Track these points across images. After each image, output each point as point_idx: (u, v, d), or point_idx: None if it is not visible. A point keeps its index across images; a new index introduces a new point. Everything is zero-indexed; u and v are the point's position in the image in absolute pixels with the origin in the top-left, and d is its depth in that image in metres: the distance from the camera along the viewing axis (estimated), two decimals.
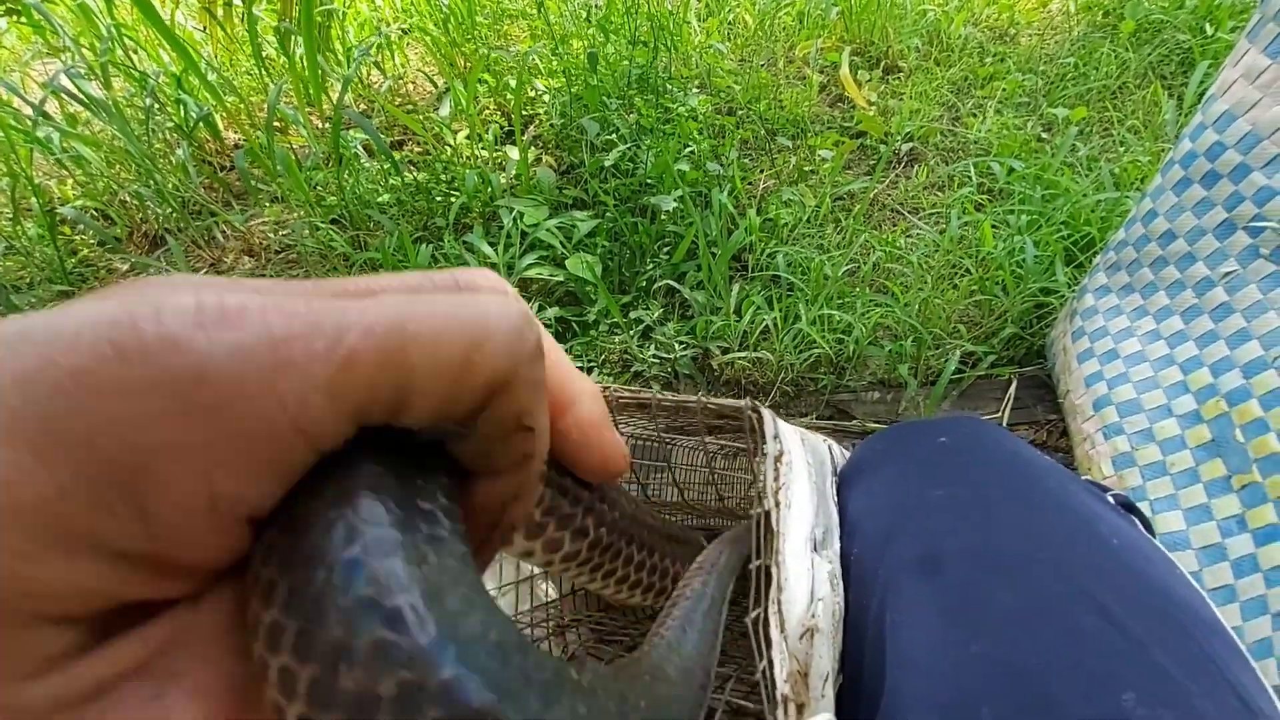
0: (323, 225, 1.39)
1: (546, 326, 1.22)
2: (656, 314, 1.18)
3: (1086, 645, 0.29)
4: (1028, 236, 1.07)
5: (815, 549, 0.34)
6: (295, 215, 1.49)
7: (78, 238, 1.58)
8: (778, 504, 0.28)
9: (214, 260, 1.48)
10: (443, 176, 1.51)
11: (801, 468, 0.33)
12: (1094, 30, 1.74)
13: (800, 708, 0.25)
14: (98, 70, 1.56)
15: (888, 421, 1.02)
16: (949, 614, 0.32)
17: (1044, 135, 1.50)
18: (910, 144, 1.50)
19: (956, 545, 0.36)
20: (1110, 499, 0.43)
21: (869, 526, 0.40)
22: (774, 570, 0.27)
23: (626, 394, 0.34)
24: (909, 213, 1.32)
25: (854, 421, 1.02)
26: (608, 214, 1.30)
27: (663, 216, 1.28)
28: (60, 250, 1.49)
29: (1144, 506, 0.76)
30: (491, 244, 1.30)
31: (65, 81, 1.47)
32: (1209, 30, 1.57)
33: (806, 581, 0.30)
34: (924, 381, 1.03)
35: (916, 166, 1.44)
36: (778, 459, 0.29)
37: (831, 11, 1.76)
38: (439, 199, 1.47)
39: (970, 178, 1.29)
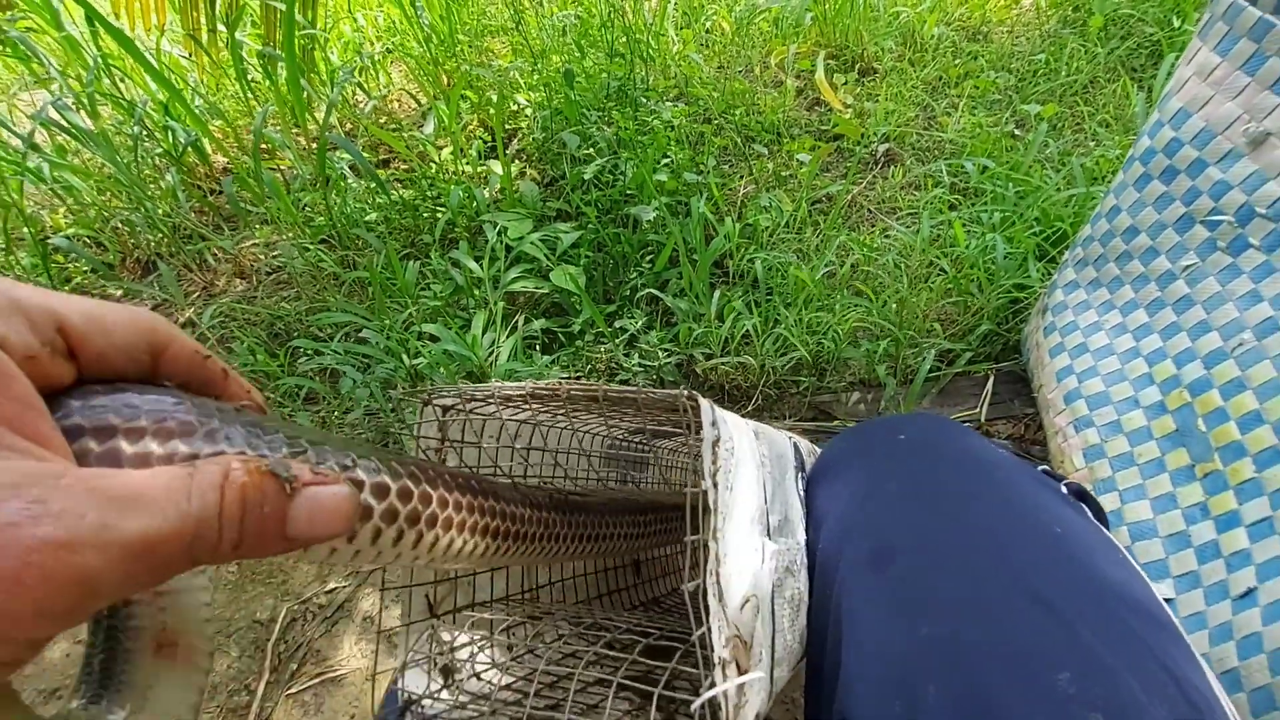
0: (312, 246, 1.41)
1: (533, 339, 1.25)
2: (641, 323, 1.20)
3: (1020, 628, 0.31)
4: (998, 234, 1.09)
5: (769, 533, 0.36)
6: (285, 237, 1.51)
7: (71, 266, 1.60)
8: (715, 485, 0.30)
9: (206, 284, 1.50)
10: (428, 193, 1.53)
11: (748, 455, 0.35)
12: (1063, 26, 1.77)
13: (743, 671, 0.28)
14: (84, 100, 1.58)
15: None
16: (898, 603, 0.35)
17: (1017, 132, 1.53)
18: (886, 145, 1.52)
19: (906, 539, 0.38)
20: (1063, 488, 0.45)
21: (832, 522, 0.43)
22: (711, 545, 0.29)
23: (578, 387, 0.37)
24: (885, 214, 1.34)
25: (835, 422, 1.04)
26: (590, 225, 1.32)
27: (644, 226, 1.30)
28: (54, 279, 1.51)
29: (1114, 497, 0.78)
30: (477, 259, 1.32)
31: (53, 113, 1.49)
32: (1176, 23, 1.60)
33: (751, 559, 0.32)
34: (903, 380, 1.05)
35: (893, 167, 1.46)
36: (715, 443, 0.31)
37: (805, 17, 1.78)
38: (425, 216, 1.50)
39: (943, 177, 1.32)
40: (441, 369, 1.15)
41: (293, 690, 0.84)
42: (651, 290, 1.21)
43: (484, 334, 1.21)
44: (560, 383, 0.36)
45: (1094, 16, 1.69)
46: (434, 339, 1.22)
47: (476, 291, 1.30)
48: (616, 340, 1.19)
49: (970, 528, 0.37)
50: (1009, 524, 0.38)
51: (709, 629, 0.27)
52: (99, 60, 1.65)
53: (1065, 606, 0.32)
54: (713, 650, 0.26)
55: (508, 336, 1.22)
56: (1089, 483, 0.83)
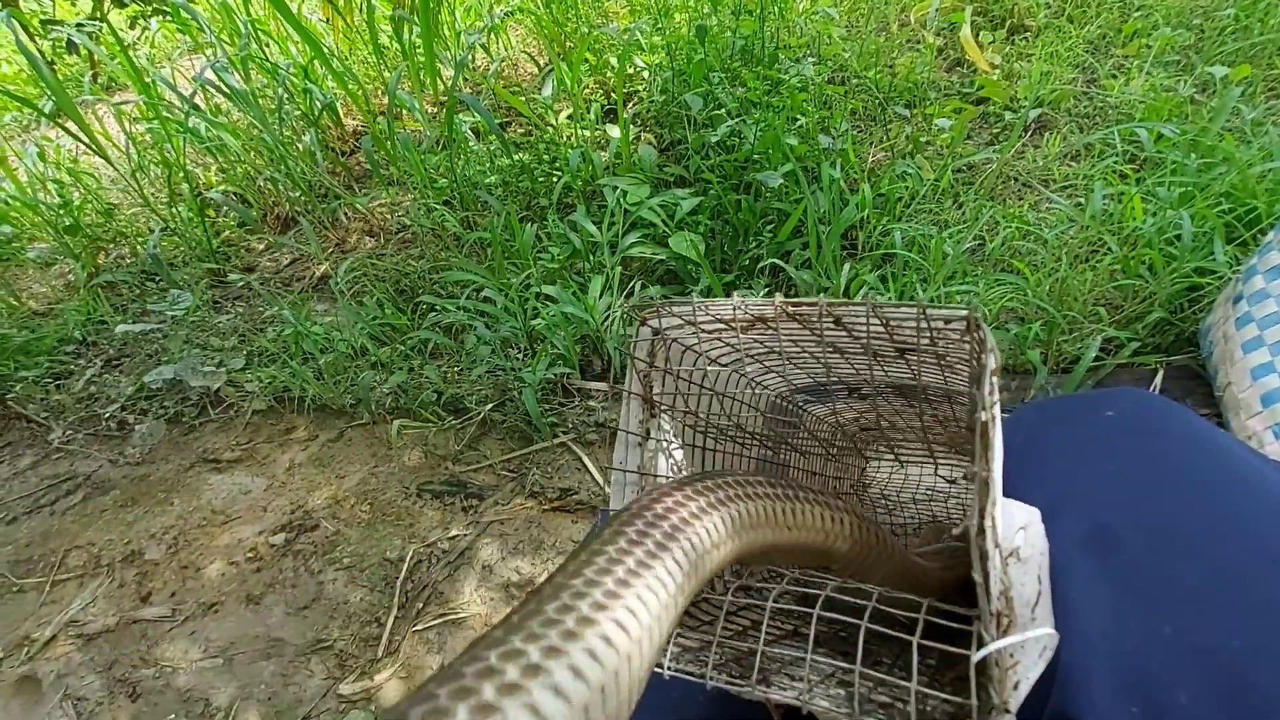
0: (436, 206, 1.46)
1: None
2: (761, 294, 1.16)
3: None
4: (1183, 210, 0.97)
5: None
6: (410, 198, 1.56)
7: (221, 219, 1.74)
8: (994, 418, 0.26)
9: (338, 240, 1.58)
10: (545, 156, 1.54)
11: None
12: None
13: (1007, 629, 0.25)
14: (237, 64, 1.69)
15: (1012, 410, 0.96)
16: (1127, 591, 0.31)
17: (1198, 97, 1.35)
18: (1039, 110, 1.39)
19: (1130, 520, 0.34)
20: None
21: (1032, 501, 0.39)
22: (990, 484, 0.26)
23: (839, 303, 0.32)
24: (1039, 185, 1.22)
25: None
26: (711, 191, 1.28)
27: (767, 193, 1.25)
28: (208, 231, 1.64)
29: None
30: (595, 223, 1.32)
31: (211, 75, 1.60)
32: None
33: (1007, 509, 0.29)
34: (1055, 369, 0.96)
35: (1047, 135, 1.33)
36: (992, 374, 0.27)
37: None
38: (542, 179, 1.51)
39: (1114, 145, 1.18)
40: (560, 330, 1.16)
41: (418, 627, 0.89)
42: (774, 261, 1.17)
43: (600, 297, 1.21)
44: (821, 300, 0.33)
45: None
46: (552, 300, 1.23)
47: (593, 255, 1.30)
48: None
49: (1215, 514, 0.33)
50: (1257, 508, 0.33)
51: (985, 574, 0.24)
52: (249, 26, 1.76)
53: None
54: (989, 599, 0.23)
55: (624, 301, 1.21)
56: None
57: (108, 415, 1.29)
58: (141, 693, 0.86)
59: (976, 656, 0.22)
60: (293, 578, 0.95)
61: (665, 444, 0.39)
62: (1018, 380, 0.97)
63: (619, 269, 1.25)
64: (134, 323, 1.46)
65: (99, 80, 2.39)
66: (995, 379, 0.27)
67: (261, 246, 1.69)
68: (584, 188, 1.46)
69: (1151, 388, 0.92)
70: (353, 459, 1.10)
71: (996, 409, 0.26)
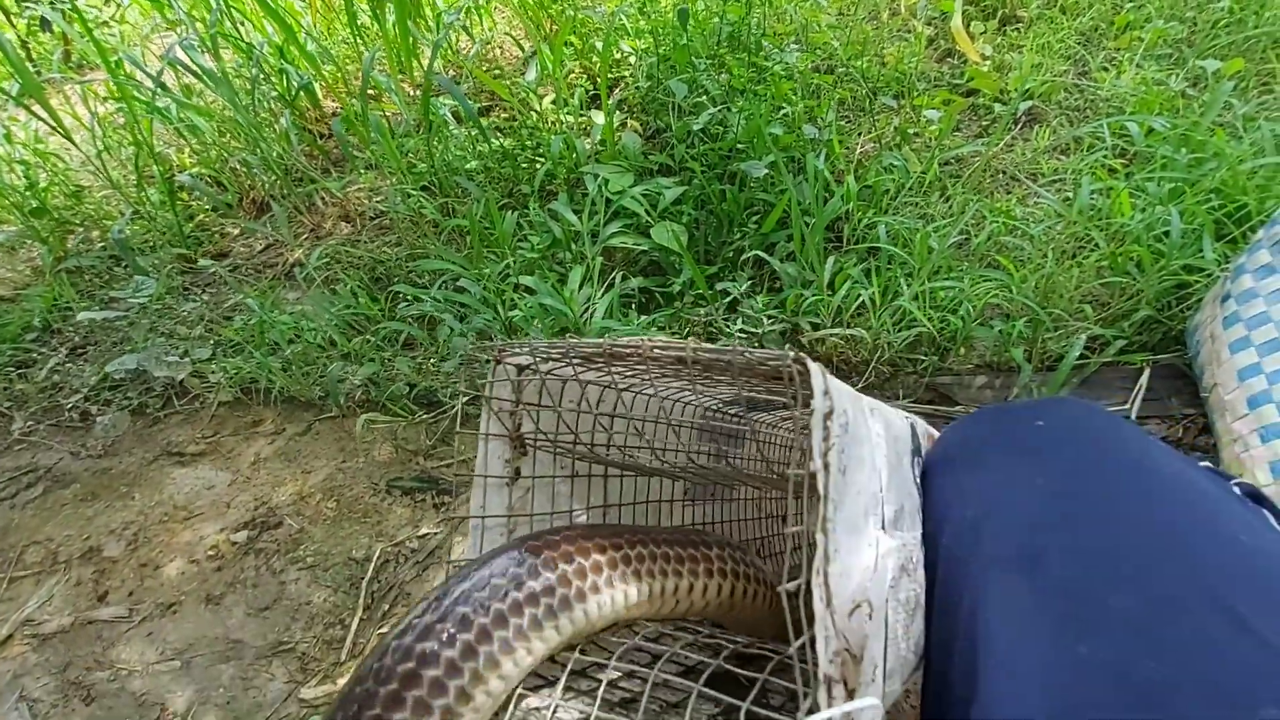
0: (414, 192, 1.42)
1: (630, 298, 1.21)
2: (744, 286, 1.13)
3: (1217, 655, 0.27)
4: (1172, 206, 0.95)
5: (884, 526, 0.31)
6: (388, 182, 1.52)
7: (194, 203, 1.69)
8: (826, 466, 0.25)
9: (314, 226, 1.54)
10: (528, 142, 1.50)
11: (863, 434, 0.30)
12: None
13: (851, 692, 0.23)
14: (207, 41, 1.63)
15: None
16: (1054, 616, 0.30)
17: (1190, 91, 1.33)
18: (1029, 102, 1.36)
19: (1060, 540, 0.33)
20: (1235, 488, 0.39)
21: (959, 516, 0.38)
22: (820, 538, 0.24)
23: (663, 345, 0.32)
24: (1027, 179, 1.20)
25: (957, 407, 0.95)
26: (695, 181, 1.25)
27: (752, 184, 1.22)
28: (179, 215, 1.59)
29: None
30: (576, 211, 1.29)
31: (180, 53, 1.55)
32: None
33: (863, 556, 0.27)
34: (1039, 366, 0.94)
35: (1037, 128, 1.31)
36: (827, 417, 0.26)
37: None
38: (524, 166, 1.47)
39: (1103, 139, 1.16)
40: (537, 322, 1.13)
41: (384, 630, 0.86)
42: (758, 253, 1.14)
43: (580, 289, 1.18)
44: (644, 341, 0.32)
45: None
46: (530, 291, 1.20)
47: (574, 245, 1.27)
48: (717, 303, 1.13)
49: (1139, 531, 0.32)
50: (1190, 528, 0.32)
51: (812, 640, 0.23)
52: (221, 2, 1.70)
53: (1269, 630, 0.27)
54: (817, 666, 0.21)
55: (604, 293, 1.19)
56: None
57: (70, 406, 1.25)
58: (96, 696, 0.83)
59: None
60: (254, 577, 0.92)
61: (546, 479, 0.37)
62: (1001, 379, 0.95)
63: (600, 260, 1.22)
64: (99, 310, 1.42)
65: (71, 59, 2.32)
66: (830, 424, 0.25)
67: (236, 231, 1.64)
68: (567, 175, 1.42)
69: (1137, 387, 0.90)
70: (320, 453, 1.07)
71: (835, 456, 0.25)
